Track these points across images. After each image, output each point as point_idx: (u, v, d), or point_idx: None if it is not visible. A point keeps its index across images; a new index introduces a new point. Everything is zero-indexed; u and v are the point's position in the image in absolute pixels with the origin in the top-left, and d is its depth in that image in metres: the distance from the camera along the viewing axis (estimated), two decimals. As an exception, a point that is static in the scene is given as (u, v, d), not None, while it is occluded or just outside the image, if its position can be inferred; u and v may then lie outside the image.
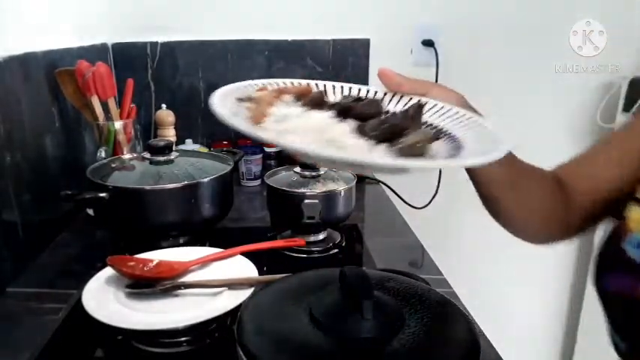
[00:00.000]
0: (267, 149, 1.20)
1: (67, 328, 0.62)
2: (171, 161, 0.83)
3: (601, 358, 1.45)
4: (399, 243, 0.89)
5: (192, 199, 0.78)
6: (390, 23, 1.25)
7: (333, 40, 1.24)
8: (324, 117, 0.41)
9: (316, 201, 0.78)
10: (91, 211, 0.83)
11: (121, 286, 0.62)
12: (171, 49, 1.22)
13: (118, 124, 0.96)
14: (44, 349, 0.57)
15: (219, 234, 0.85)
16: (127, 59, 1.21)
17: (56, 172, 0.91)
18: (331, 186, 0.81)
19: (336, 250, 0.83)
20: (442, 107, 0.45)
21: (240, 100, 0.43)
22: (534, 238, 0.60)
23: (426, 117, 0.44)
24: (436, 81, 1.25)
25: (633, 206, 0.45)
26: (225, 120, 0.36)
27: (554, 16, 1.25)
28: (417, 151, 0.36)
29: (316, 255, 0.82)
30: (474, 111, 0.46)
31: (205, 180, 0.78)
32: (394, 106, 0.47)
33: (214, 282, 0.63)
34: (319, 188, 0.80)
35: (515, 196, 0.53)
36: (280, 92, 0.44)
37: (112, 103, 0.97)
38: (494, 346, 0.58)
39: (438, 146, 0.40)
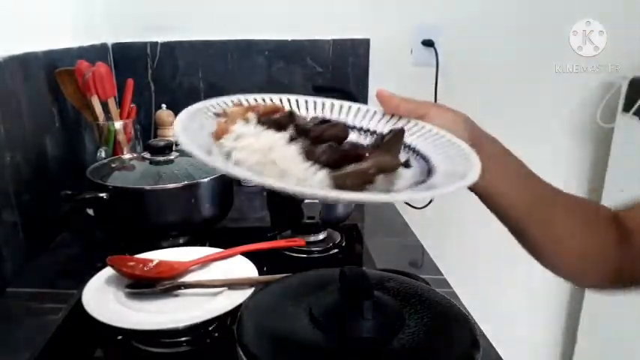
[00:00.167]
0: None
1: (67, 328, 0.62)
2: (171, 161, 0.83)
3: (601, 358, 1.45)
4: (399, 243, 0.89)
5: (193, 199, 0.78)
6: (390, 23, 1.25)
7: (333, 40, 1.24)
8: (276, 138, 0.40)
9: (316, 201, 0.78)
10: (91, 211, 0.83)
11: (121, 286, 0.62)
12: (171, 49, 1.22)
13: (118, 124, 0.96)
14: (44, 349, 0.57)
15: (220, 234, 0.85)
16: (127, 59, 1.21)
17: (56, 172, 0.91)
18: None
19: (336, 250, 0.83)
20: (430, 131, 0.43)
21: (217, 114, 0.43)
22: (576, 280, 0.56)
23: (413, 140, 0.43)
24: (436, 81, 1.25)
25: None
26: (176, 132, 0.37)
27: (554, 16, 1.25)
28: (354, 180, 0.35)
29: (316, 255, 0.82)
30: (477, 131, 0.45)
31: (205, 180, 0.78)
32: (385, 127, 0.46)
33: (214, 282, 0.63)
34: (319, 188, 0.80)
35: (543, 227, 0.49)
36: (249, 109, 0.44)
37: (112, 103, 0.97)
38: (495, 346, 0.58)
39: (407, 172, 0.39)
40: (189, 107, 0.43)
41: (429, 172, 0.39)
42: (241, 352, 0.39)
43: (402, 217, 0.99)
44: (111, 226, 0.83)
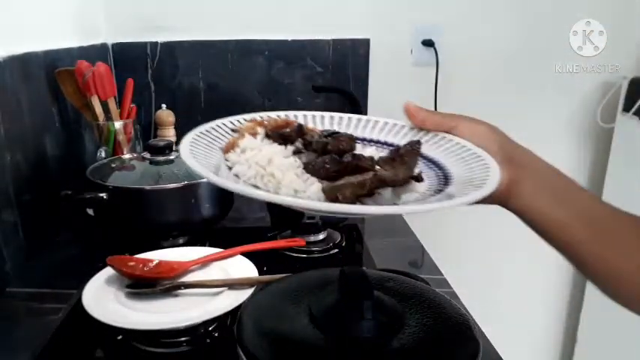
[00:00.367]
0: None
1: (67, 328, 0.62)
2: (171, 161, 0.83)
3: (601, 358, 1.45)
4: (399, 243, 0.89)
5: (193, 199, 0.78)
6: (390, 23, 1.25)
7: (333, 40, 1.24)
8: (277, 150, 0.41)
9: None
10: (91, 211, 0.83)
11: (121, 286, 0.62)
12: (171, 49, 1.22)
13: (118, 124, 0.96)
14: (44, 349, 0.57)
15: (219, 234, 0.85)
16: (127, 59, 1.21)
17: (56, 172, 0.91)
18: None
19: (336, 250, 0.83)
20: (455, 144, 0.42)
21: (234, 130, 0.44)
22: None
23: (434, 153, 0.42)
24: (436, 81, 1.25)
25: None
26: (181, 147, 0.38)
27: (554, 16, 1.25)
28: (347, 193, 0.34)
29: (316, 255, 0.82)
30: (509, 143, 0.42)
31: (205, 180, 0.78)
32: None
33: (214, 282, 0.63)
34: (319, 188, 0.80)
35: (599, 253, 0.43)
36: (260, 124, 0.45)
37: (112, 103, 0.97)
38: (494, 346, 0.58)
39: (420, 185, 0.39)
40: (205, 124, 0.43)
41: (445, 185, 0.38)
42: (241, 352, 0.39)
43: (402, 217, 0.99)
44: (111, 226, 0.83)
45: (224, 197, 0.84)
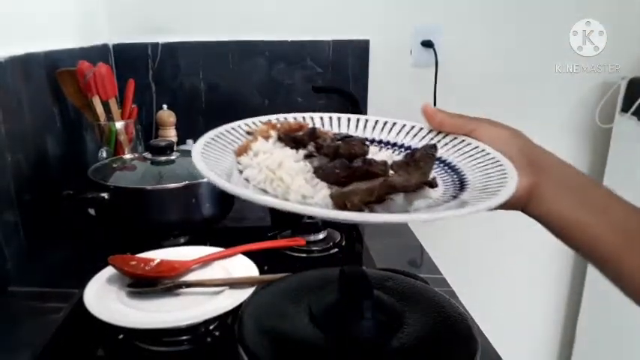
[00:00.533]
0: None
1: (69, 327, 0.62)
2: (172, 161, 0.83)
3: (600, 358, 1.45)
4: (399, 243, 0.89)
5: (193, 199, 0.78)
6: (390, 24, 1.26)
7: (333, 41, 1.24)
8: (288, 154, 0.40)
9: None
10: (92, 211, 0.83)
11: (122, 286, 0.63)
12: (172, 49, 1.22)
13: (119, 125, 0.97)
14: (46, 349, 0.58)
15: (220, 233, 0.86)
16: (128, 60, 1.22)
17: (57, 172, 0.91)
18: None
19: (336, 250, 0.83)
20: (474, 148, 0.41)
21: (248, 133, 0.44)
22: None
23: (452, 157, 0.41)
24: (435, 82, 1.25)
25: None
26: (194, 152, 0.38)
27: (554, 16, 1.25)
28: (354, 199, 0.33)
29: (316, 254, 0.82)
30: (531, 148, 0.41)
31: (206, 180, 0.78)
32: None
33: (215, 281, 0.63)
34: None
35: (627, 253, 0.39)
36: (273, 127, 0.44)
37: (113, 104, 0.97)
38: (494, 345, 0.58)
39: (434, 190, 0.38)
40: (220, 127, 0.43)
41: (461, 190, 0.37)
42: (242, 351, 0.39)
43: (402, 217, 0.99)
44: (112, 225, 0.83)
45: (225, 197, 0.84)
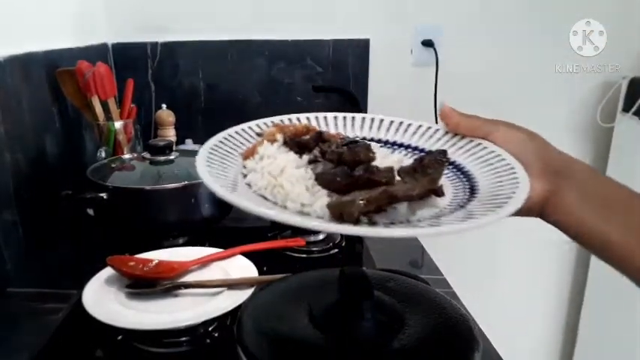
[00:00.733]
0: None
1: (67, 328, 0.62)
2: (171, 161, 0.83)
3: (601, 358, 1.45)
4: (400, 243, 0.89)
5: (192, 199, 0.78)
6: (390, 23, 1.25)
7: (333, 40, 1.24)
8: (291, 159, 0.39)
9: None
10: (91, 211, 0.83)
11: (121, 286, 0.62)
12: (171, 49, 1.22)
13: (118, 124, 0.96)
14: (44, 349, 0.57)
15: (219, 234, 0.85)
16: (128, 59, 1.21)
17: (56, 172, 0.91)
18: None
19: (336, 250, 0.83)
20: (489, 152, 0.39)
21: (259, 134, 0.43)
22: None
23: (465, 162, 0.40)
24: (436, 81, 1.25)
25: None
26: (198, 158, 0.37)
27: (554, 16, 1.25)
28: (351, 210, 0.32)
29: (316, 255, 0.82)
30: (549, 152, 0.40)
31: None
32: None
33: (214, 282, 0.63)
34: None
35: None
36: (281, 129, 0.44)
37: (112, 103, 0.97)
38: (495, 346, 0.58)
39: (443, 198, 0.36)
40: (231, 128, 0.43)
41: (470, 198, 0.36)
42: (241, 352, 0.39)
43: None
44: (111, 226, 0.83)
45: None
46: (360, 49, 1.25)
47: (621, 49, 1.25)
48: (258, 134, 0.44)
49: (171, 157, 0.83)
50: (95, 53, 1.11)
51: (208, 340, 0.59)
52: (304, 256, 0.81)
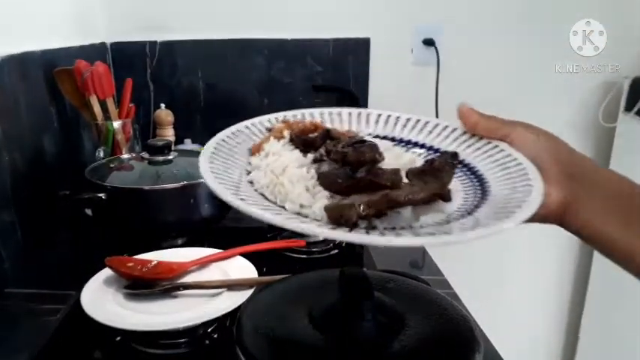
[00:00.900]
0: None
1: (66, 329, 0.61)
2: (170, 161, 0.82)
3: (602, 358, 1.45)
4: (399, 243, 0.89)
5: (191, 199, 0.78)
6: (391, 23, 1.25)
7: (333, 40, 1.23)
8: (294, 158, 0.39)
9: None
10: (89, 212, 0.82)
11: (119, 287, 0.62)
12: (170, 48, 1.21)
13: (116, 124, 0.96)
14: (42, 350, 0.57)
15: (219, 234, 0.85)
16: (126, 59, 1.21)
17: (54, 172, 0.90)
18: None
19: (336, 251, 0.83)
20: (506, 155, 0.38)
21: (268, 130, 0.43)
22: None
23: (480, 165, 0.39)
24: (437, 80, 1.25)
25: None
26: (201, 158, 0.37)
27: (554, 16, 1.25)
28: (349, 214, 0.31)
29: (316, 256, 0.82)
30: (567, 155, 0.38)
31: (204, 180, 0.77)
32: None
33: (213, 283, 0.62)
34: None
35: None
36: (288, 126, 0.43)
37: (110, 103, 0.97)
38: (495, 346, 0.57)
39: (451, 203, 0.35)
40: (241, 123, 0.43)
41: (480, 203, 0.35)
42: (240, 354, 0.38)
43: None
44: (109, 226, 0.82)
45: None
46: (360, 49, 1.25)
47: (621, 49, 1.24)
48: (269, 129, 0.43)
49: (170, 157, 0.83)
50: (93, 52, 1.11)
51: (207, 342, 0.59)
52: (304, 256, 0.81)
